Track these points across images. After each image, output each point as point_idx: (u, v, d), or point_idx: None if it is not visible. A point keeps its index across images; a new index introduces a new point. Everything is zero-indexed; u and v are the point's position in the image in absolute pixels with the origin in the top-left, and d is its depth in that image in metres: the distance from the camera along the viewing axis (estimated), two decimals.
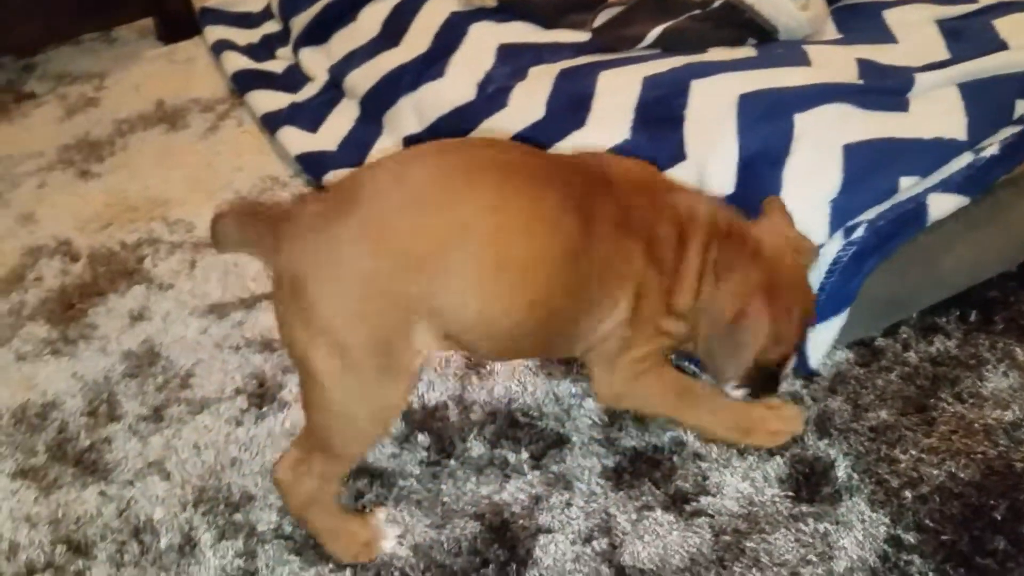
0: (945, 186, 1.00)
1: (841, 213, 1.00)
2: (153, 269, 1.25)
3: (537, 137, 1.20)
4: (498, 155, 0.83)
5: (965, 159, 1.03)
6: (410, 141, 1.38)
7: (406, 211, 0.76)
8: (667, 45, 1.33)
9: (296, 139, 1.45)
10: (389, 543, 0.88)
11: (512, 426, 0.98)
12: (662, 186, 0.92)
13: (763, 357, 0.86)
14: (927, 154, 1.02)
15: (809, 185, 1.00)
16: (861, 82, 1.13)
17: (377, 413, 0.82)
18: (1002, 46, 1.20)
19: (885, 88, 1.11)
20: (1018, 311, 1.03)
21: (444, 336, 0.81)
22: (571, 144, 1.17)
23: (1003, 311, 1.04)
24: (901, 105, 1.08)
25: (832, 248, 1.00)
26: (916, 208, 0.98)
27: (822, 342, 0.98)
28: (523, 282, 0.79)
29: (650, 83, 1.20)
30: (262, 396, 1.04)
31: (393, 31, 1.51)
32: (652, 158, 1.10)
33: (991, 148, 1.01)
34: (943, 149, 1.03)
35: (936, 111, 1.06)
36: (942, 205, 0.98)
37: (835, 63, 1.20)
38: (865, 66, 1.21)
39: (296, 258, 0.76)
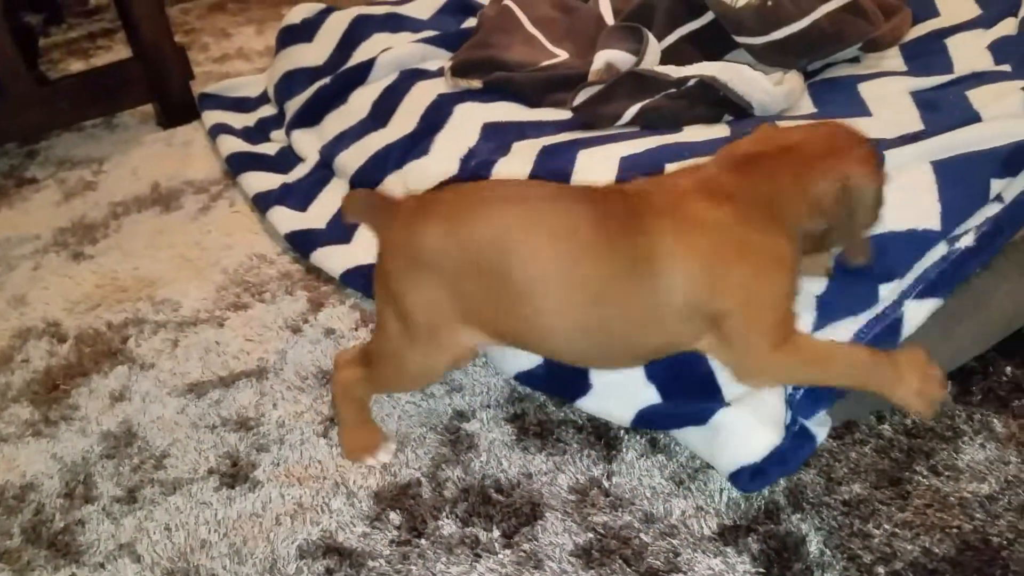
0: (920, 290, 0.99)
1: (826, 315, 1.00)
2: (136, 349, 1.26)
3: None
4: (564, 190, 0.99)
5: (940, 251, 1.03)
6: None
7: (479, 230, 0.91)
8: (645, 123, 1.36)
9: (286, 218, 1.48)
10: (385, 456, 1.04)
11: (485, 503, 0.97)
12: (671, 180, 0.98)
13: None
14: (902, 251, 1.02)
15: None
16: None
17: (418, 374, 1.00)
18: (975, 117, 1.22)
19: None
20: (996, 381, 1.02)
21: (498, 335, 0.96)
22: None
23: (981, 381, 1.02)
24: None
25: None
26: (892, 324, 0.97)
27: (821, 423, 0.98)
28: (588, 301, 0.90)
29: (626, 163, 1.22)
30: (234, 476, 1.04)
31: (382, 112, 1.56)
32: None
33: (966, 239, 1.01)
34: (918, 242, 1.03)
35: (909, 197, 1.05)
36: (918, 314, 0.98)
37: None
38: None
39: (390, 238, 0.96)
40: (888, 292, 1.01)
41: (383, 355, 1.00)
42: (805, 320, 0.99)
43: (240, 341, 1.25)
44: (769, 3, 1.40)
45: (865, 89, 1.37)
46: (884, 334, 0.98)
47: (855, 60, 1.49)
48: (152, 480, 1.05)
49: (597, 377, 1.04)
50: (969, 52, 1.44)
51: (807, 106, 1.38)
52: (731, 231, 0.89)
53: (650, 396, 1.01)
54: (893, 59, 1.47)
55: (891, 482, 0.92)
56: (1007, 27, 1.47)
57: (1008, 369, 1.03)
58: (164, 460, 1.07)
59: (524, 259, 0.89)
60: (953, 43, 1.47)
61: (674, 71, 1.37)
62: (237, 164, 1.66)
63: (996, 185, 1.09)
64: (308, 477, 1.02)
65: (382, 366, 1.00)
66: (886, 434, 0.98)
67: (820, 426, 0.96)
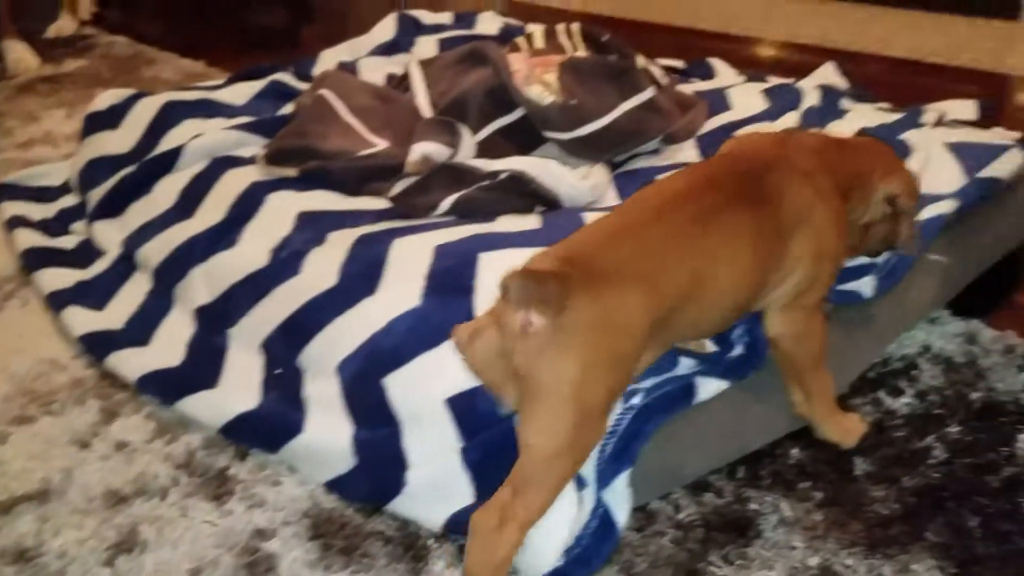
0: (712, 371, 1.04)
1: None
2: None
3: (328, 304, 1.19)
4: (699, 191, 0.96)
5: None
6: (201, 312, 1.35)
7: (669, 277, 0.90)
8: (460, 213, 1.37)
9: (80, 319, 1.38)
10: None
11: None
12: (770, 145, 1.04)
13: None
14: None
15: None
16: None
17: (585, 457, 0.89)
18: None
19: None
20: (784, 464, 1.07)
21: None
22: (359, 313, 1.16)
23: (770, 464, 1.07)
24: None
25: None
26: (686, 386, 1.01)
27: (621, 504, 0.98)
28: (758, 277, 0.95)
29: (441, 252, 1.22)
30: None
31: (189, 202, 1.50)
32: (442, 324, 1.11)
33: (738, 347, 1.06)
34: None
35: None
36: (709, 387, 1.02)
37: None
38: None
39: (581, 323, 0.84)
40: (688, 364, 1.05)
41: (552, 460, 0.85)
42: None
43: (22, 460, 1.14)
44: (573, 102, 1.46)
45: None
46: (677, 395, 1.00)
47: (656, 152, 1.58)
48: None
49: (413, 475, 1.02)
50: None
51: (612, 198, 1.44)
52: (833, 201, 1.00)
53: (465, 496, 1.00)
54: (689, 151, 1.57)
55: (687, 574, 0.94)
56: (790, 120, 1.61)
57: (794, 452, 1.09)
58: None
59: (716, 277, 0.92)
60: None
61: (487, 164, 1.40)
62: (32, 260, 1.55)
63: None
64: None
65: (548, 479, 0.85)
66: (684, 522, 1.00)
67: (620, 506, 0.96)
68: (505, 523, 0.84)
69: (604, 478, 0.95)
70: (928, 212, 1.22)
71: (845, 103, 1.66)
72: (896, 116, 1.55)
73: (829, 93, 1.63)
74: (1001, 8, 2.40)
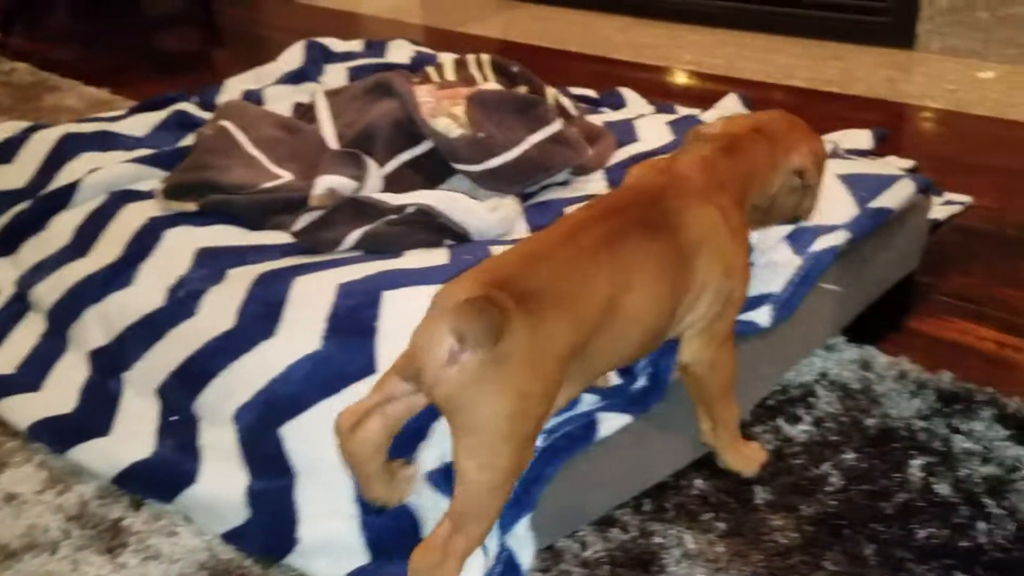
0: (614, 405, 1.05)
1: None
2: None
3: (225, 348, 1.16)
4: (607, 220, 0.96)
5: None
6: (96, 356, 1.29)
7: (586, 304, 0.90)
8: (366, 248, 1.35)
9: None
10: None
11: None
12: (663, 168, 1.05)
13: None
14: None
15: None
16: None
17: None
18: None
19: None
20: (687, 495, 1.08)
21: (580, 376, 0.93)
22: (257, 357, 1.13)
23: (674, 495, 1.08)
24: None
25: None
26: (588, 424, 1.01)
27: (524, 547, 0.97)
28: (667, 305, 0.96)
29: (344, 291, 1.20)
30: None
31: (84, 239, 1.45)
32: (342, 370, 1.09)
33: (641, 379, 1.08)
34: None
35: None
36: (612, 423, 1.03)
37: None
38: None
39: (516, 352, 0.83)
40: (591, 400, 1.06)
41: (493, 492, 0.84)
42: None
43: None
44: (481, 135, 1.46)
45: (569, 211, 1.46)
46: (578, 434, 1.00)
47: (566, 183, 1.59)
48: None
49: (306, 531, 0.99)
50: None
51: (522, 230, 1.44)
52: (731, 215, 1.01)
53: (359, 556, 0.98)
54: (598, 182, 1.59)
55: None
56: None
57: (698, 482, 1.11)
58: None
59: (629, 303, 0.92)
60: None
61: (394, 198, 1.39)
62: None
63: None
64: None
65: (488, 510, 0.85)
66: (590, 560, 1.00)
67: (524, 549, 0.95)
68: (447, 558, 0.83)
69: (506, 522, 0.94)
70: (821, 243, 1.26)
71: None
72: None
73: None
74: (896, 37, 2.51)
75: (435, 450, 0.98)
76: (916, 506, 1.05)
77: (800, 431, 1.17)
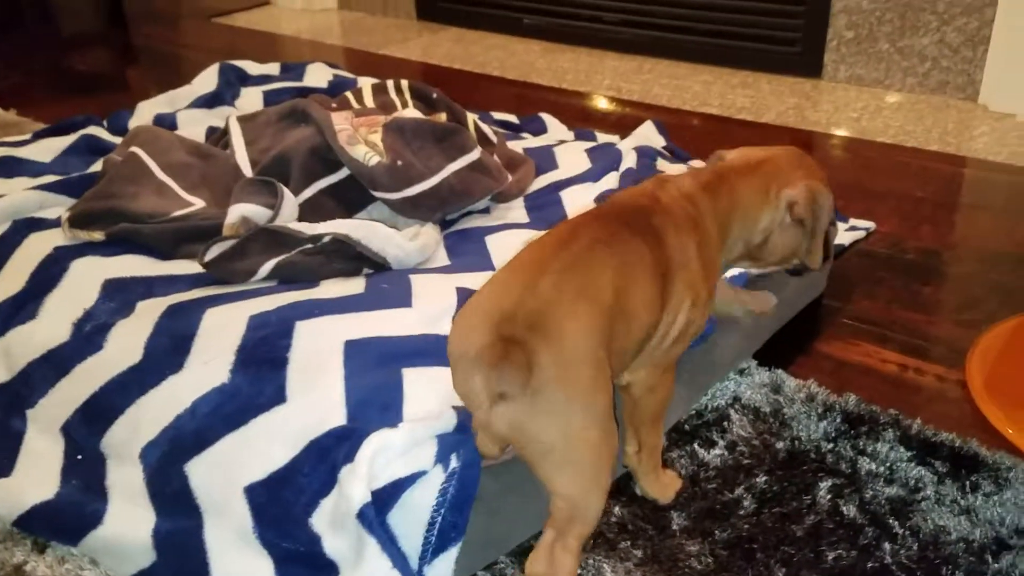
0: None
1: (446, 447, 1.02)
2: None
3: (132, 384, 1.12)
4: (606, 229, 0.96)
5: None
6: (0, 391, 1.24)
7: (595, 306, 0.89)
8: (281, 278, 1.33)
9: None
10: None
11: None
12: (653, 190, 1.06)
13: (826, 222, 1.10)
14: None
15: (424, 424, 1.00)
16: None
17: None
18: None
19: None
20: (605, 522, 1.09)
21: None
22: (164, 393, 1.10)
23: None
24: None
25: (436, 479, 1.00)
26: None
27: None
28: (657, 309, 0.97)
29: (255, 322, 1.18)
30: None
31: None
32: (250, 402, 1.07)
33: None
34: None
35: None
36: None
37: (436, 297, 1.26)
38: (464, 297, 1.28)
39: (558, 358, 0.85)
40: None
41: (589, 493, 0.89)
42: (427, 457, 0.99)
43: None
44: (399, 163, 1.46)
45: (492, 242, 1.47)
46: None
47: (486, 211, 1.59)
48: None
49: (215, 573, 0.97)
50: (579, 203, 1.61)
51: (442, 259, 1.44)
52: (706, 249, 1.03)
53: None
54: (518, 210, 1.60)
55: None
56: (610, 181, 1.67)
57: (616, 509, 1.12)
58: None
59: (631, 296, 0.93)
60: (567, 195, 1.64)
61: (309, 227, 1.37)
62: None
63: None
64: None
65: (593, 510, 0.90)
66: None
67: None
68: (559, 553, 0.89)
69: (424, 555, 0.93)
70: (732, 271, 1.29)
71: (660, 163, 1.74)
72: None
73: (643, 155, 1.71)
74: (805, 67, 2.60)
75: (361, 483, 0.95)
76: (825, 528, 1.08)
77: (714, 455, 1.20)
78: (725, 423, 1.25)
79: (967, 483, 1.13)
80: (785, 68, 2.62)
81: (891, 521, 1.08)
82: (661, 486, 1.12)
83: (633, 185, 1.57)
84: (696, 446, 1.22)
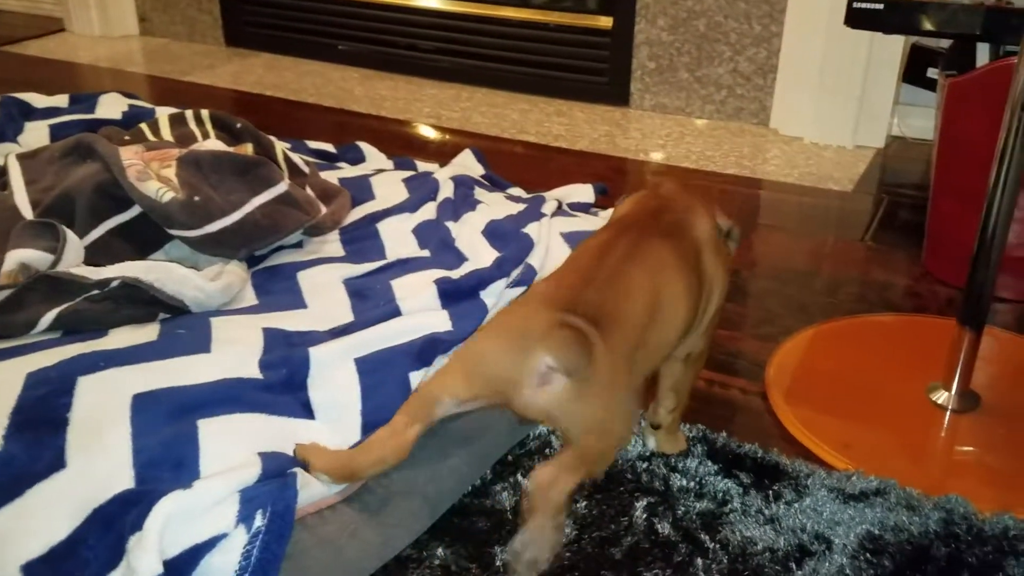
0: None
1: (249, 503, 0.95)
2: None
3: None
4: (636, 225, 1.06)
5: None
6: None
7: (633, 307, 0.98)
8: (65, 329, 1.22)
9: None
10: None
11: None
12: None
13: None
14: None
15: (223, 479, 0.94)
16: (262, 377, 1.12)
17: None
18: (396, 310, 1.30)
19: (286, 381, 1.12)
20: (430, 566, 1.05)
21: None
22: None
23: (415, 568, 1.05)
24: (305, 406, 1.11)
25: (238, 541, 0.94)
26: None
27: None
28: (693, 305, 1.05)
29: (33, 380, 1.07)
30: None
31: None
32: (26, 470, 0.97)
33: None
34: None
35: (334, 414, 1.10)
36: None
37: (240, 341, 1.19)
38: (272, 338, 1.22)
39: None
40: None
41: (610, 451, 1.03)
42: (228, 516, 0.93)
43: None
44: (196, 198, 1.38)
45: (304, 279, 1.41)
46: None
47: (300, 245, 1.53)
48: None
49: None
50: (397, 236, 1.58)
51: (250, 298, 1.37)
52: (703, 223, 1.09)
53: None
54: (333, 244, 1.55)
55: None
56: (428, 212, 1.65)
57: (440, 551, 1.09)
58: None
59: (666, 298, 1.00)
60: (383, 227, 1.61)
61: (95, 272, 1.27)
62: None
63: (414, 378, 1.17)
64: None
65: (607, 458, 1.03)
66: None
67: None
68: (564, 475, 0.93)
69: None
70: None
71: (478, 192, 1.74)
72: (521, 207, 1.66)
73: (461, 185, 1.71)
74: (613, 96, 2.71)
75: (150, 553, 0.87)
76: (642, 548, 1.10)
77: None
78: (548, 450, 1.25)
79: (770, 492, 1.18)
80: (596, 97, 2.72)
81: (702, 536, 1.11)
82: (678, 440, 1.24)
83: (451, 219, 1.58)
84: (519, 476, 1.21)
